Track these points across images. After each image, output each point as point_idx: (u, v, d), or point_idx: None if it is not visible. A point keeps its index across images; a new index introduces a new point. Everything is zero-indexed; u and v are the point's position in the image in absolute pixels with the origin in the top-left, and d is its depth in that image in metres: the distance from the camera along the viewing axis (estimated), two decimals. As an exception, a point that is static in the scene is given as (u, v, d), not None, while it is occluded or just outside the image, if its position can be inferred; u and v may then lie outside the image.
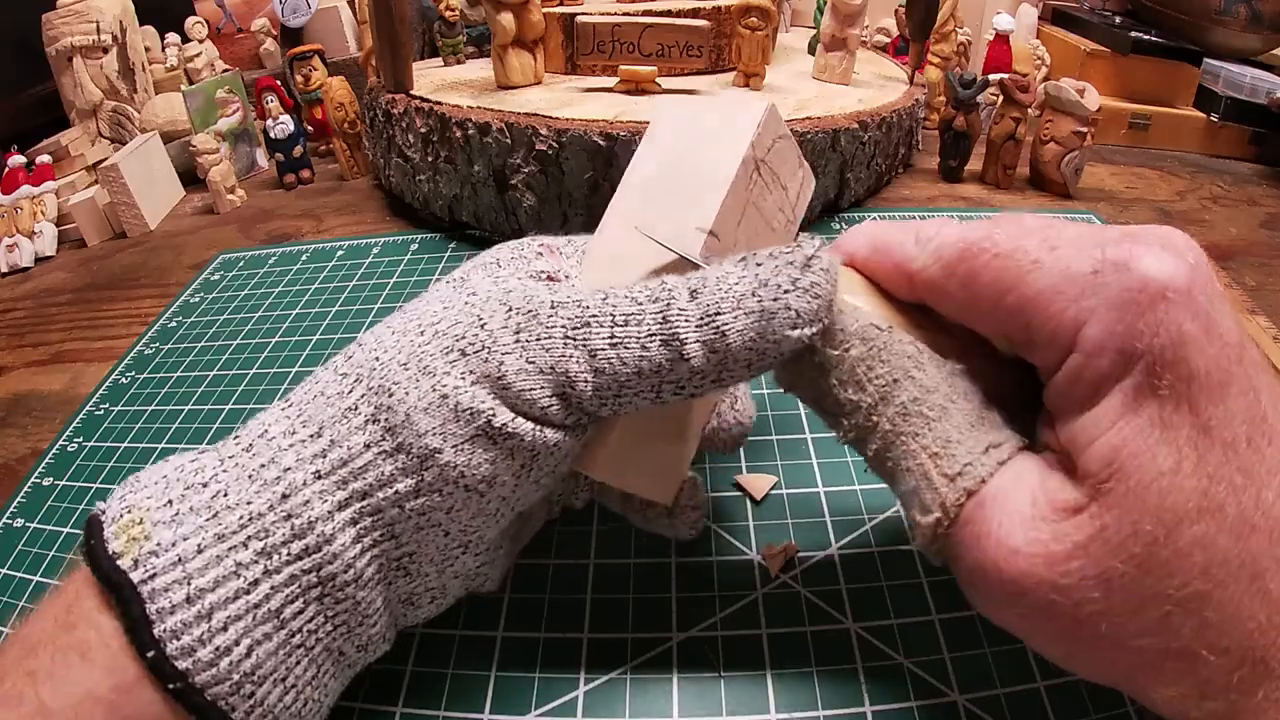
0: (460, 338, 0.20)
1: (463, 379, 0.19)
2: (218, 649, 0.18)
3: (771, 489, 0.31)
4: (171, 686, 0.17)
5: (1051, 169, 0.58)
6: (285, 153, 0.67)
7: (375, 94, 0.56)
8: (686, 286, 0.19)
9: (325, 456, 0.19)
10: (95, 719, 0.17)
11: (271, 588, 0.19)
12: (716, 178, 0.22)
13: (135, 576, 0.18)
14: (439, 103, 0.51)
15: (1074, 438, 0.18)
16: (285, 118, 0.66)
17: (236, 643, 0.18)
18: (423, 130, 0.52)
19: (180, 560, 0.18)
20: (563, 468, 0.21)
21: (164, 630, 0.17)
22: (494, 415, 0.19)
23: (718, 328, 0.19)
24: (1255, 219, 0.57)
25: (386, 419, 0.19)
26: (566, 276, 0.23)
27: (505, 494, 0.20)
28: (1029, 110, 0.58)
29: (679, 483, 0.24)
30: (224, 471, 0.20)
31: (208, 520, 0.19)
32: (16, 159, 0.65)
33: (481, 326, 0.20)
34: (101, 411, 0.41)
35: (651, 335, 0.19)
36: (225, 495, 0.19)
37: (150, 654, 0.17)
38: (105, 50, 0.71)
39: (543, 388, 0.19)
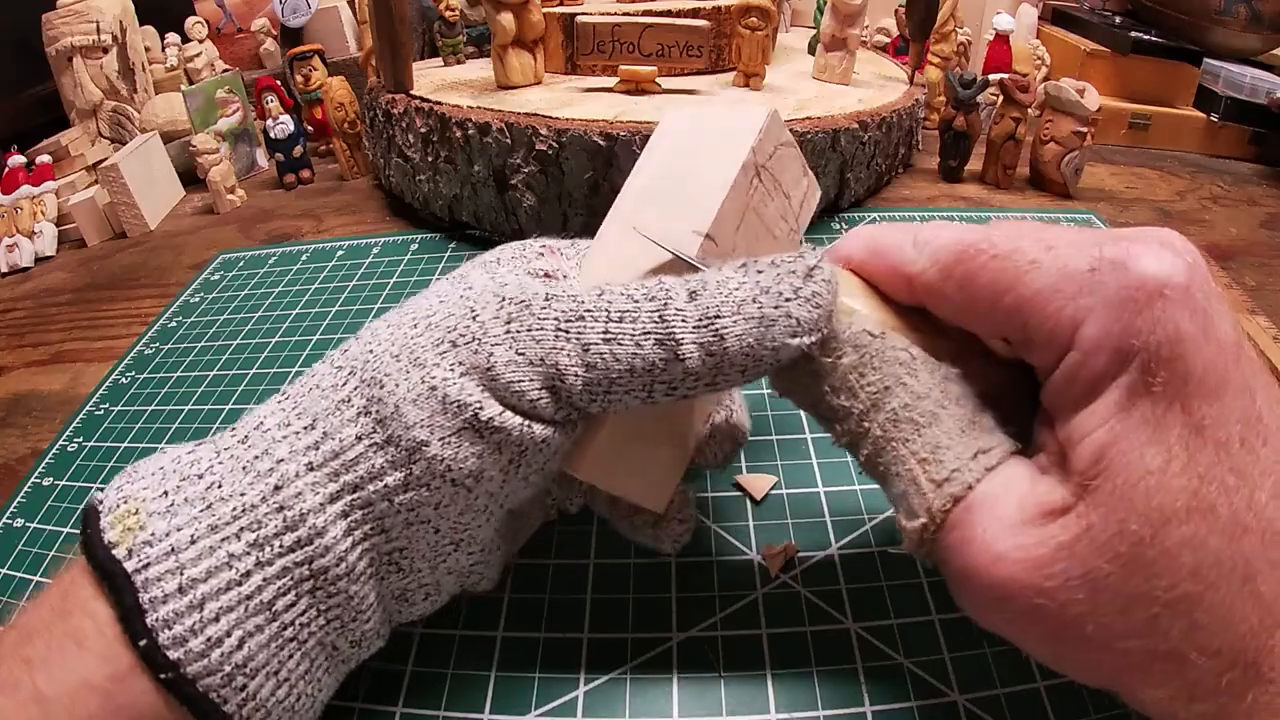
0: (452, 329, 0.20)
1: (452, 370, 0.19)
2: (209, 639, 0.18)
3: (771, 489, 0.31)
4: (163, 676, 0.17)
5: (1051, 169, 0.58)
6: (285, 153, 0.67)
7: (375, 94, 0.56)
8: (685, 288, 0.19)
9: (318, 449, 0.20)
10: (90, 707, 0.17)
11: (264, 579, 0.19)
12: (715, 182, 0.22)
13: (129, 566, 0.18)
14: (439, 103, 0.51)
15: (1069, 436, 0.18)
16: (285, 118, 0.66)
17: (228, 634, 0.18)
18: (423, 130, 0.52)
19: (173, 550, 0.18)
20: (552, 466, 0.21)
21: (156, 619, 0.18)
22: (481, 408, 0.19)
23: (716, 331, 0.19)
24: (1255, 219, 0.57)
25: (377, 411, 0.19)
26: (566, 276, 0.23)
27: (493, 490, 0.20)
28: (1029, 110, 0.58)
29: (670, 491, 0.24)
30: (219, 463, 0.20)
31: (202, 511, 0.19)
32: (16, 159, 0.65)
33: (473, 318, 0.20)
34: (101, 411, 0.41)
35: (646, 333, 0.19)
36: (219, 487, 0.19)
37: (142, 643, 0.17)
38: (105, 50, 0.71)
39: (532, 380, 0.19)
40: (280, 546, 0.19)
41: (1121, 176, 0.64)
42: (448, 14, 0.62)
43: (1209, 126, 0.70)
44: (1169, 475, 0.16)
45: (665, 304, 0.19)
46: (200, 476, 0.20)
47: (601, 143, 0.46)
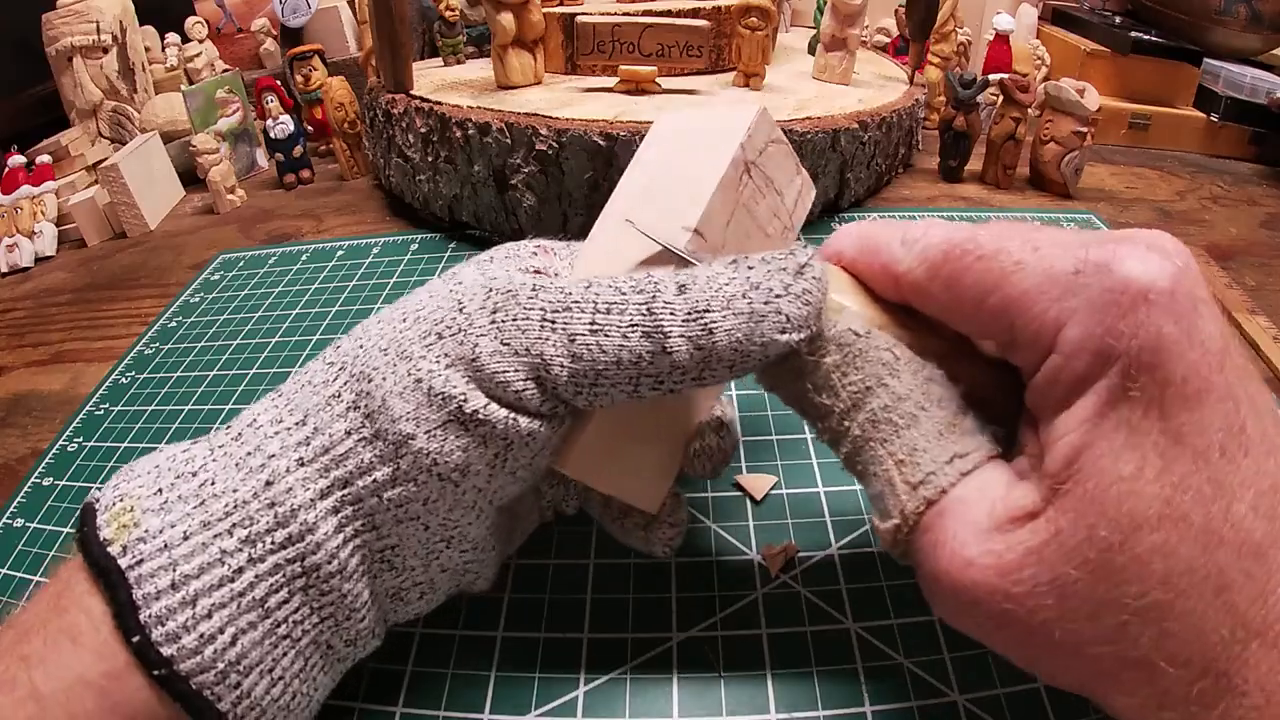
0: (439, 322, 0.20)
1: (437, 362, 0.19)
2: (202, 636, 0.18)
3: (771, 489, 0.31)
4: (157, 673, 0.17)
5: (1051, 169, 0.58)
6: (285, 153, 0.67)
7: (375, 94, 0.56)
8: (674, 281, 0.19)
9: (309, 444, 0.20)
10: (87, 704, 0.18)
11: (256, 576, 0.19)
12: (704, 178, 0.22)
13: (123, 562, 0.18)
14: (439, 103, 0.51)
15: (1049, 439, 0.18)
16: (285, 118, 0.66)
17: (221, 630, 0.18)
18: (423, 130, 0.52)
19: (166, 546, 0.18)
20: (540, 462, 0.21)
21: (149, 616, 0.18)
22: (466, 400, 0.19)
23: (705, 325, 0.19)
24: (1255, 219, 0.57)
25: (366, 405, 0.19)
26: (558, 275, 0.23)
27: (480, 485, 0.20)
28: (1029, 110, 0.58)
29: (663, 493, 0.24)
30: (213, 460, 0.20)
31: (195, 508, 0.19)
32: (16, 159, 0.65)
33: (460, 310, 0.20)
34: (101, 411, 0.41)
35: (634, 325, 0.19)
36: (212, 483, 0.19)
37: (136, 639, 0.17)
38: (105, 50, 0.71)
39: (517, 370, 0.19)
40: (272, 543, 0.19)
41: (1121, 176, 0.64)
42: (448, 14, 0.62)
43: (1209, 126, 0.70)
44: (1142, 482, 0.16)
45: (654, 297, 0.19)
46: (194, 474, 0.20)
47: (601, 143, 0.46)
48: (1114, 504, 0.16)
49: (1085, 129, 0.56)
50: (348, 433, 0.19)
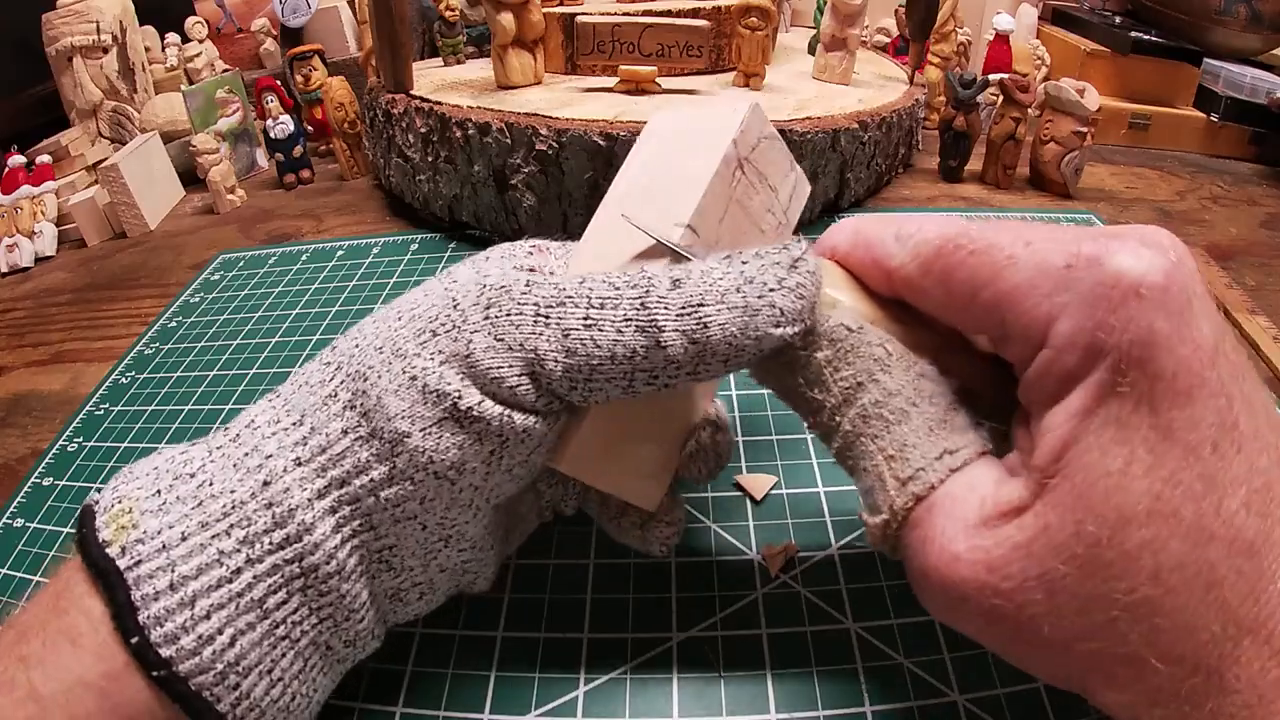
0: (433, 319, 0.20)
1: (432, 359, 0.19)
2: (200, 637, 0.18)
3: (771, 489, 0.31)
4: (155, 674, 0.17)
5: (1051, 169, 0.58)
6: (285, 153, 0.67)
7: (375, 94, 0.56)
8: (668, 276, 0.19)
9: (306, 444, 0.20)
10: (87, 705, 0.18)
11: (254, 577, 0.19)
12: (696, 175, 0.22)
13: (122, 563, 0.18)
14: (439, 103, 0.51)
15: (1039, 434, 0.18)
16: (285, 118, 0.66)
17: (219, 631, 0.18)
18: (423, 130, 0.52)
19: (165, 547, 0.18)
20: (536, 460, 0.21)
21: (148, 616, 0.18)
22: (460, 397, 0.19)
23: (699, 319, 0.19)
24: (1255, 219, 0.57)
25: (361, 404, 0.19)
26: (552, 273, 0.23)
27: (477, 483, 0.20)
28: (1029, 110, 0.58)
29: (661, 491, 0.24)
30: (211, 462, 0.20)
31: (193, 509, 0.19)
32: (16, 159, 0.66)
33: (454, 306, 0.20)
34: (101, 411, 0.41)
35: (628, 320, 0.19)
36: (211, 484, 0.19)
37: (134, 640, 0.17)
38: (105, 50, 0.71)
39: (511, 366, 0.19)
40: (270, 544, 0.19)
41: (1121, 176, 0.64)
42: (448, 14, 0.62)
43: (1209, 126, 0.70)
44: (1130, 477, 0.16)
45: (647, 291, 0.19)
46: (192, 475, 0.20)
47: (601, 143, 0.46)
48: (1102, 499, 0.16)
49: (1085, 129, 0.56)
50: (344, 432, 0.19)
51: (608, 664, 0.25)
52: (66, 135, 0.70)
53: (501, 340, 0.19)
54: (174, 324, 0.48)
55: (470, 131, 0.49)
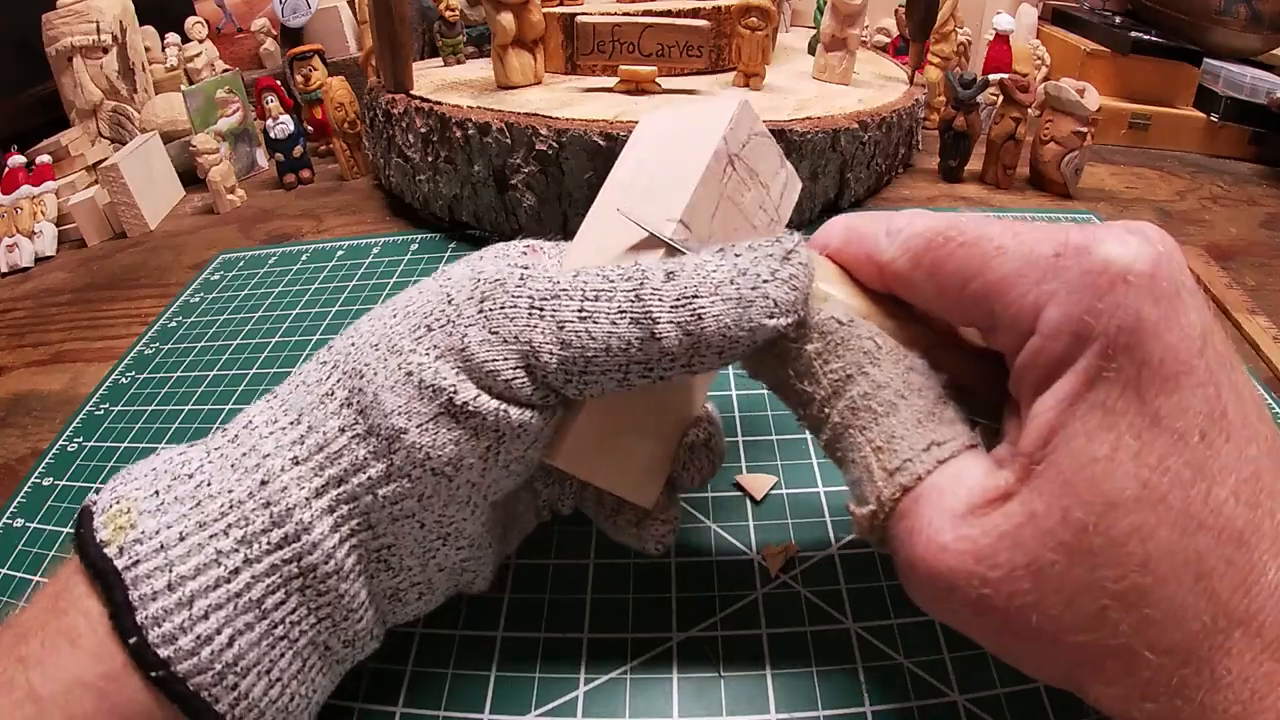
0: (428, 315, 0.20)
1: (427, 355, 0.19)
2: (199, 637, 0.18)
3: (771, 489, 0.31)
4: (154, 674, 0.17)
5: (1051, 169, 0.58)
6: (285, 153, 0.67)
7: (375, 94, 0.56)
8: (662, 268, 0.19)
9: (303, 443, 0.20)
10: (86, 705, 0.17)
11: (252, 576, 0.19)
12: (687, 171, 0.22)
13: (120, 564, 0.18)
14: (439, 103, 0.51)
15: (1027, 422, 0.18)
16: (285, 118, 0.66)
17: (218, 631, 0.18)
18: (423, 130, 0.52)
19: (163, 547, 0.18)
20: (533, 455, 0.21)
21: (146, 617, 0.18)
22: (456, 392, 0.19)
23: (693, 310, 0.19)
24: (1255, 219, 0.57)
25: (358, 402, 0.19)
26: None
27: (474, 479, 0.20)
28: (1029, 110, 0.58)
29: (657, 488, 0.24)
30: (209, 462, 0.20)
31: (191, 509, 0.19)
32: (16, 159, 0.65)
33: (449, 302, 0.20)
34: (101, 411, 0.41)
35: (622, 312, 0.19)
36: (209, 484, 0.19)
37: (133, 640, 0.17)
38: (105, 50, 0.71)
39: (506, 359, 0.19)
40: (268, 543, 0.19)
41: (1121, 176, 0.64)
42: (448, 14, 0.62)
43: (1209, 126, 0.70)
44: (1117, 463, 0.16)
45: (642, 284, 0.19)
46: (190, 475, 0.20)
47: (601, 143, 0.46)
48: (1088, 484, 0.16)
49: (1085, 129, 0.56)
50: (341, 430, 0.19)
51: (608, 664, 0.25)
52: (66, 135, 0.70)
53: (496, 333, 0.19)
54: (174, 324, 0.48)
55: (470, 131, 0.49)
